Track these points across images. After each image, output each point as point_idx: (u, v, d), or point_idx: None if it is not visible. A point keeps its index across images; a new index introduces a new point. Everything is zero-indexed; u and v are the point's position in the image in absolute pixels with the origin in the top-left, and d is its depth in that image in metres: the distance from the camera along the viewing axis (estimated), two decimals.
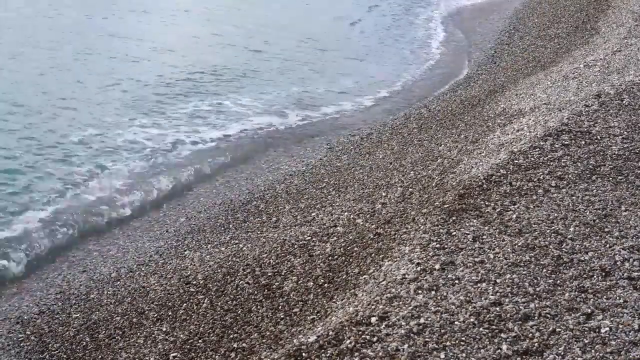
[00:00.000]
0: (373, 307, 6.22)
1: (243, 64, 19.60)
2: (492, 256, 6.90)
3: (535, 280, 6.51)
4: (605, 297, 6.29)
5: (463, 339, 5.72)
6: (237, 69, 19.09)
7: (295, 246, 8.99)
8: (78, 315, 8.79)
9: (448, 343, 5.67)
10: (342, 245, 8.59)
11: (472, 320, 5.93)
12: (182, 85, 17.41)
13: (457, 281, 6.49)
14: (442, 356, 5.53)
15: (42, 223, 10.74)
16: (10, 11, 22.52)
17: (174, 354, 7.49)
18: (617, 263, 6.80)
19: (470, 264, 6.76)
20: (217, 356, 7.24)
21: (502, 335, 5.77)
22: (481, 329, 5.84)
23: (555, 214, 7.72)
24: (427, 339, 5.71)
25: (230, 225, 10.76)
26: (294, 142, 14.78)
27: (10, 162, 12.49)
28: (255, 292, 8.16)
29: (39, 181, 12.02)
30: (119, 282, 9.47)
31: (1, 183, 11.83)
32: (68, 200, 11.50)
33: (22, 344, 8.34)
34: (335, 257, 8.34)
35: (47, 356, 8.07)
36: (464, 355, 5.56)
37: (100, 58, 19.06)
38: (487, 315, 5.98)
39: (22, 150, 13.00)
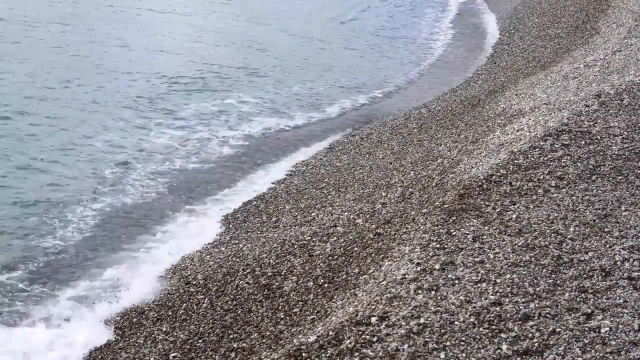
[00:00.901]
0: (373, 307, 6.22)
1: (244, 63, 19.60)
2: (492, 256, 6.91)
3: (535, 280, 6.51)
4: (605, 297, 6.29)
5: (463, 339, 5.72)
6: (239, 68, 19.08)
7: (295, 246, 8.99)
8: None
9: (448, 343, 5.67)
10: (342, 245, 8.60)
11: (472, 320, 5.93)
12: (188, 85, 17.40)
13: (457, 281, 6.49)
14: (442, 356, 5.53)
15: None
16: (13, 11, 22.50)
17: (174, 354, 7.49)
18: (617, 263, 6.80)
19: (470, 264, 6.76)
20: (217, 356, 7.24)
21: (502, 335, 5.77)
22: (481, 329, 5.84)
23: (555, 214, 7.72)
24: (427, 339, 5.71)
25: (230, 225, 10.76)
26: (299, 142, 14.75)
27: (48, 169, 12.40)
28: (255, 292, 8.16)
29: (70, 185, 11.95)
30: None
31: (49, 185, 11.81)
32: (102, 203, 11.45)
33: None
34: (335, 257, 8.34)
35: None
36: (464, 355, 5.56)
37: (104, 56, 19.04)
38: (487, 315, 5.98)
39: (51, 156, 12.81)
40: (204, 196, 12.01)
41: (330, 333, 5.92)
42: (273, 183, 12.36)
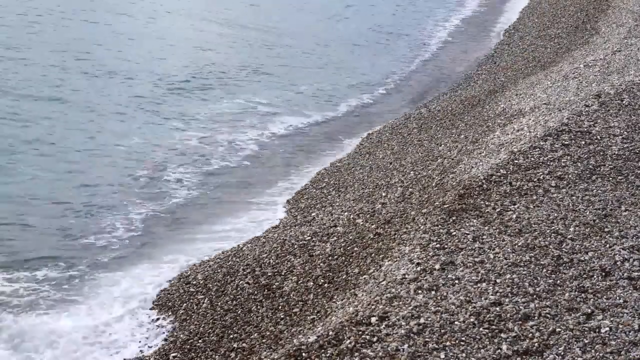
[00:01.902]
0: (373, 307, 6.22)
1: (249, 63, 19.55)
2: (492, 256, 6.91)
3: (535, 280, 6.51)
4: (605, 297, 6.29)
5: (463, 339, 5.72)
6: (243, 68, 19.03)
7: (295, 246, 8.98)
8: None
9: (448, 343, 5.67)
10: (342, 245, 8.59)
11: (472, 320, 5.93)
12: (196, 85, 17.35)
13: (457, 281, 6.49)
14: (442, 356, 5.53)
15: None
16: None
17: (174, 354, 7.49)
18: (617, 263, 6.80)
19: (470, 264, 6.76)
20: (217, 356, 7.24)
21: (502, 335, 5.77)
22: (481, 329, 5.84)
23: (555, 214, 7.72)
24: (427, 339, 5.71)
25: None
26: (316, 142, 14.69)
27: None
28: (255, 292, 8.16)
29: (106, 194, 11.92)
30: None
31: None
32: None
33: None
34: (335, 257, 8.34)
35: None
36: (464, 355, 5.56)
37: (113, 57, 19.01)
38: (487, 315, 5.98)
39: (83, 160, 12.65)
40: (245, 195, 11.91)
41: (330, 333, 5.92)
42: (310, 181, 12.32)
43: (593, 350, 5.61)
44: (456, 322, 5.90)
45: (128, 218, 10.78)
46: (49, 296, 8.73)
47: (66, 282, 9.05)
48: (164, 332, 8.02)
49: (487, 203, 8.01)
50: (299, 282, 8.06)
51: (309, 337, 6.01)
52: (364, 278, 7.33)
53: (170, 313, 8.33)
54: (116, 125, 14.43)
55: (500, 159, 9.26)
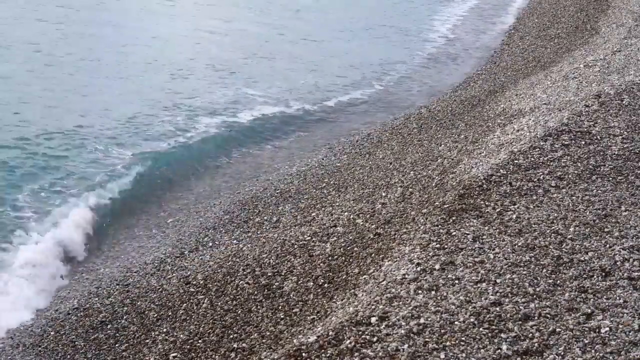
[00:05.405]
0: (373, 307, 6.22)
1: (245, 54, 19.56)
2: (492, 256, 6.90)
3: (535, 280, 6.51)
4: (605, 297, 6.29)
5: (463, 339, 5.72)
6: (241, 59, 19.01)
7: (295, 246, 8.99)
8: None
9: (448, 343, 5.67)
10: (342, 245, 8.59)
11: (472, 320, 5.93)
12: (186, 80, 17.41)
13: (457, 281, 6.49)
14: (442, 356, 5.53)
15: None
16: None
17: (174, 354, 7.49)
18: (617, 263, 6.80)
19: (470, 264, 6.76)
20: (217, 356, 7.24)
21: (502, 335, 5.77)
22: (481, 329, 5.84)
23: (555, 214, 7.72)
24: (427, 339, 5.71)
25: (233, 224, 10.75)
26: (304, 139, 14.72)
27: None
28: (255, 292, 8.16)
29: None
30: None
31: None
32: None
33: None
34: (335, 257, 8.34)
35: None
36: (464, 355, 5.56)
37: (105, 55, 19.05)
38: (487, 315, 5.98)
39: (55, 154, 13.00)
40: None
41: (330, 333, 5.92)
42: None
43: (593, 350, 5.60)
44: (456, 322, 5.90)
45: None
46: None
47: None
48: None
49: (487, 203, 8.01)
50: (299, 282, 8.06)
51: (309, 337, 6.01)
52: (364, 278, 7.33)
53: None
54: (98, 109, 14.55)
55: (500, 159, 9.26)
